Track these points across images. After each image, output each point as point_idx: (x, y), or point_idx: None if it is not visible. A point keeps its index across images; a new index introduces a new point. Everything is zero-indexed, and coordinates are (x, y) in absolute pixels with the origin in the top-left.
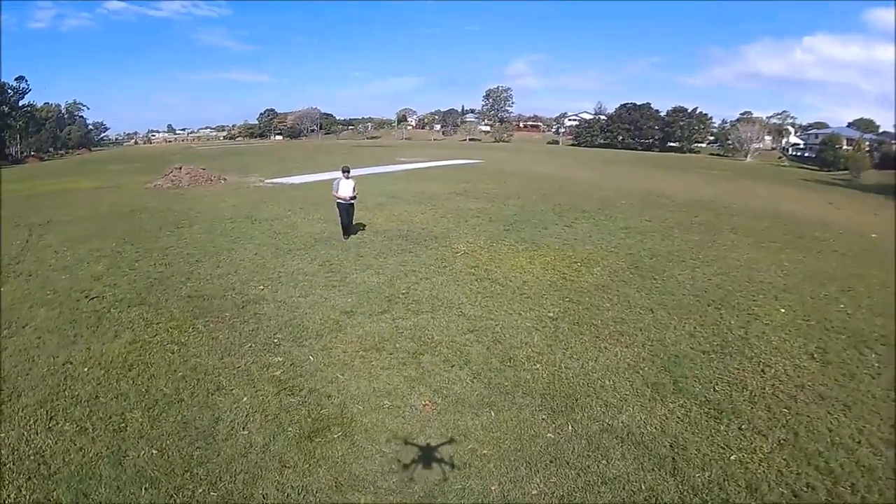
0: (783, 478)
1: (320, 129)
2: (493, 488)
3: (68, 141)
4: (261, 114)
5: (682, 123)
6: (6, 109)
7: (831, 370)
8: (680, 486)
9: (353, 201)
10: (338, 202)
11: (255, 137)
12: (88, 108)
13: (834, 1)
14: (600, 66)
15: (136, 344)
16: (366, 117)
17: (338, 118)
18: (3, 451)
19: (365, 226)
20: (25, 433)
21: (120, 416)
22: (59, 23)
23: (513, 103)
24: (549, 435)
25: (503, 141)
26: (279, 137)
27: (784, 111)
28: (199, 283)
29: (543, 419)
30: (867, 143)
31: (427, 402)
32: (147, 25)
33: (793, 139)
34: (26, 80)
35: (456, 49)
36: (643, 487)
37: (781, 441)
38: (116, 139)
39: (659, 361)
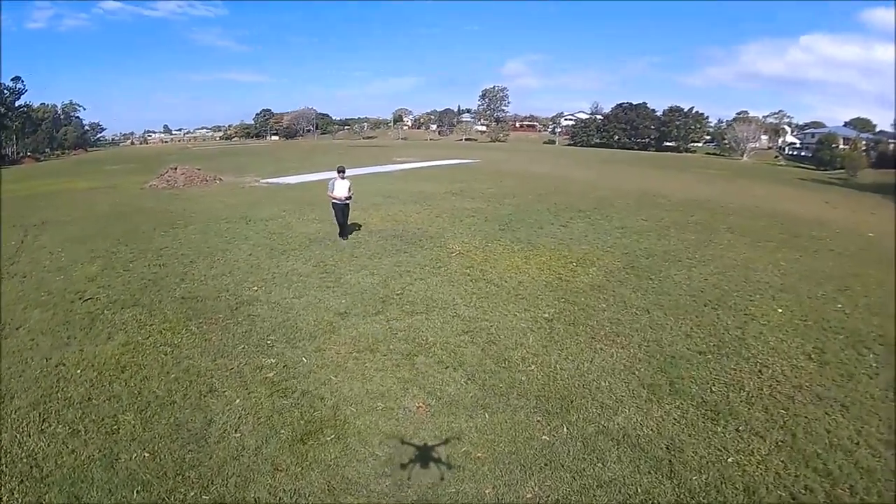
0: (781, 480)
1: (316, 129)
2: (487, 492)
3: (64, 141)
4: (257, 114)
5: (678, 123)
6: (2, 110)
7: (829, 370)
8: (677, 490)
9: (348, 201)
10: (333, 202)
11: (252, 138)
12: (85, 109)
13: (831, 1)
14: (596, 65)
15: (129, 346)
16: (362, 117)
17: (334, 118)
18: None
19: (360, 226)
20: (18, 435)
21: (112, 418)
22: (56, 23)
23: (509, 103)
24: (544, 437)
25: (499, 141)
26: (275, 138)
27: (780, 110)
28: (193, 285)
29: (538, 421)
30: (864, 142)
31: (421, 404)
32: (143, 25)
33: (789, 138)
34: (22, 81)
35: (452, 49)
36: (639, 491)
37: (779, 443)
38: (113, 140)
39: (655, 362)
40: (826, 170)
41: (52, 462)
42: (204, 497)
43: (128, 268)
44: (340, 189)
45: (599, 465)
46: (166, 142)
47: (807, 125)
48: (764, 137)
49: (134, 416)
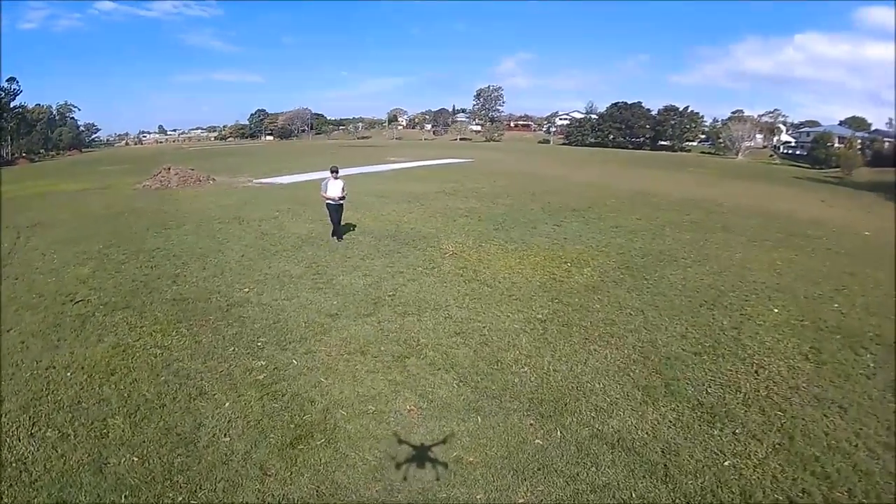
0: (778, 484)
1: (311, 129)
2: (478, 497)
3: (59, 142)
4: (252, 114)
5: (673, 122)
6: None
7: (826, 371)
8: (672, 494)
9: (342, 202)
10: (327, 203)
11: (246, 138)
12: (80, 110)
13: (824, 0)
14: (591, 65)
15: (119, 348)
16: (356, 117)
17: (329, 118)
18: None
19: (354, 226)
20: (8, 439)
21: (102, 421)
22: (50, 23)
23: (504, 102)
24: (537, 441)
25: (494, 140)
26: (270, 138)
27: (775, 109)
28: (184, 286)
29: (531, 424)
30: (859, 140)
31: (412, 407)
32: (138, 26)
33: (784, 137)
34: (17, 81)
35: (447, 49)
36: (634, 496)
37: (776, 445)
38: (107, 140)
39: (650, 364)
40: (821, 168)
41: (41, 466)
42: (192, 502)
43: (119, 269)
44: (334, 189)
45: (593, 469)
46: (161, 142)
47: (802, 124)
48: (759, 136)
49: (123, 420)
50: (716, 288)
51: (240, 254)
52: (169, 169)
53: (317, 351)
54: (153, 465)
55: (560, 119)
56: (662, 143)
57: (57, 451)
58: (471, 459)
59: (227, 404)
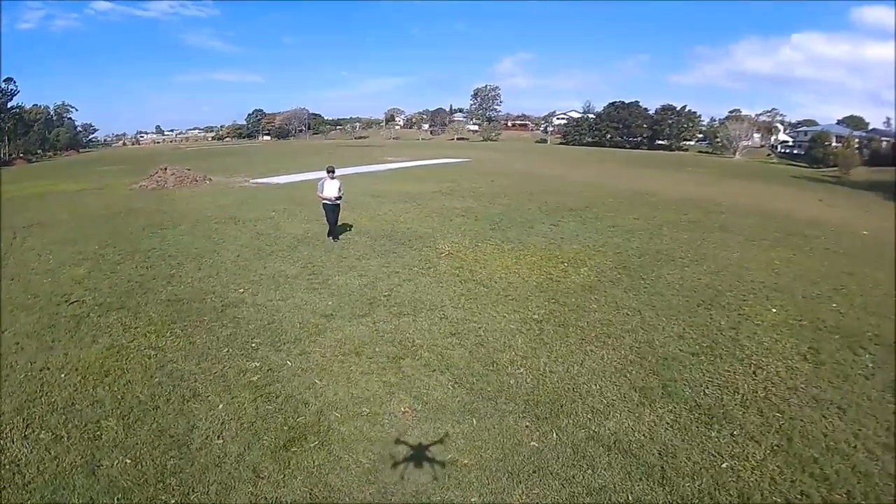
0: (777, 486)
1: (308, 129)
2: (473, 500)
3: (56, 143)
4: (249, 114)
5: (670, 122)
6: None
7: (825, 371)
8: (669, 497)
9: (338, 202)
10: (323, 203)
11: (244, 138)
12: (77, 110)
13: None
14: (591, 65)
15: (113, 349)
16: (354, 117)
17: (326, 118)
18: None
19: (351, 226)
20: (2, 441)
21: (95, 423)
22: (47, 23)
23: (501, 102)
24: (532, 443)
25: (491, 140)
26: (267, 138)
27: (773, 109)
28: (179, 287)
29: (527, 426)
30: (856, 140)
31: (407, 408)
32: (134, 26)
33: (782, 136)
34: (14, 82)
35: (444, 49)
36: (630, 498)
37: (775, 447)
38: (105, 141)
39: (647, 364)
40: (819, 168)
41: (34, 468)
42: None
43: (115, 270)
44: (330, 189)
45: (589, 471)
46: (158, 142)
47: (799, 123)
48: (756, 136)
49: (116, 422)
50: (713, 288)
51: (235, 254)
52: (165, 169)
53: (311, 352)
54: (146, 467)
55: (557, 119)
56: (660, 142)
57: (50, 454)
58: (465, 462)
59: (220, 406)
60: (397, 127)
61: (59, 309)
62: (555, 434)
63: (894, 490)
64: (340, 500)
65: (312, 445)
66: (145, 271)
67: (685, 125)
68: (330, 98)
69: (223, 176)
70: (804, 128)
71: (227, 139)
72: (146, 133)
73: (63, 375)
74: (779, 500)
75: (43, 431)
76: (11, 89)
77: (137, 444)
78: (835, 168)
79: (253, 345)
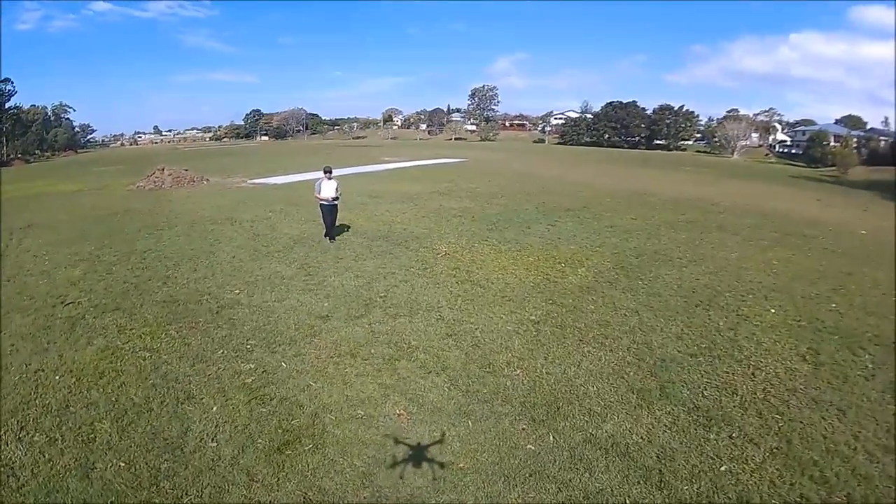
0: (776, 489)
1: (306, 129)
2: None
3: (54, 143)
4: (247, 114)
5: (668, 121)
6: None
7: (824, 372)
8: (667, 500)
9: (335, 202)
10: (320, 203)
11: (242, 138)
12: (75, 110)
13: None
14: (589, 65)
15: (108, 351)
16: (352, 117)
17: (324, 118)
18: None
19: (348, 227)
20: None
21: (89, 426)
22: (45, 24)
23: (498, 102)
24: (529, 446)
25: (489, 140)
26: (265, 138)
27: (771, 108)
28: (174, 288)
29: (523, 429)
30: (854, 139)
31: (402, 411)
32: (133, 26)
33: (780, 136)
34: (12, 83)
35: (442, 49)
36: (628, 502)
37: (774, 449)
38: (103, 141)
39: (645, 366)
40: (817, 167)
41: (28, 471)
42: None
43: (111, 271)
44: (327, 190)
45: (586, 475)
46: (156, 143)
47: (797, 123)
48: (754, 135)
49: (111, 424)
50: (712, 288)
51: (231, 255)
52: (163, 170)
53: (306, 353)
54: (140, 470)
55: (555, 119)
56: (658, 142)
57: (44, 456)
58: (461, 465)
59: (214, 408)
60: (395, 127)
61: (54, 310)
62: (551, 437)
63: (894, 493)
64: None
65: (307, 448)
66: (141, 272)
67: (683, 125)
68: (329, 98)
69: (220, 176)
70: (802, 127)
71: (225, 139)
72: (144, 133)
73: (58, 377)
74: None
75: (37, 434)
76: (9, 90)
77: (131, 446)
78: (833, 168)
79: (248, 346)
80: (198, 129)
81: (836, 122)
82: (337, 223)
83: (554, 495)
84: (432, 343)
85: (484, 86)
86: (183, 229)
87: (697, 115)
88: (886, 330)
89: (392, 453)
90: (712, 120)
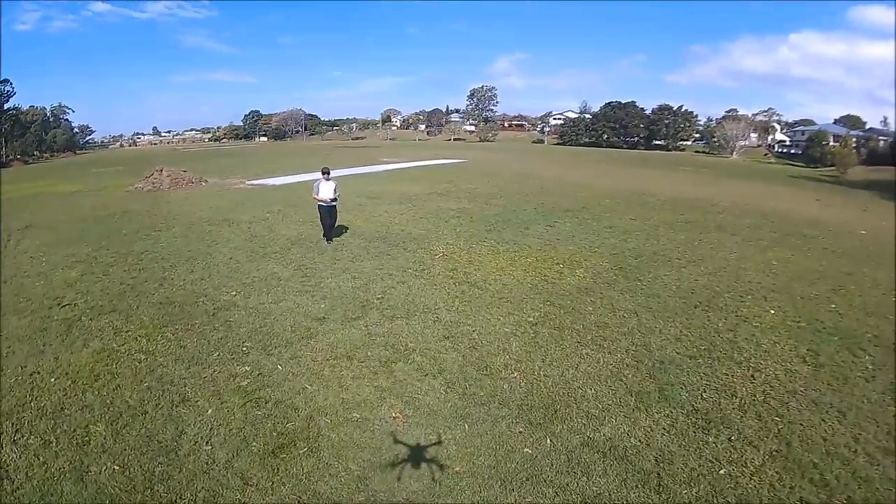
0: (776, 492)
1: (305, 130)
2: None
3: (53, 144)
4: (246, 115)
5: (667, 122)
6: None
7: (824, 374)
8: None
9: (334, 203)
10: (319, 205)
11: (240, 139)
12: (74, 111)
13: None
14: (589, 65)
15: (103, 353)
16: (351, 118)
17: (323, 119)
18: None
19: (346, 228)
20: None
21: (84, 429)
22: (44, 25)
23: (497, 103)
24: (526, 450)
25: (488, 140)
26: (264, 139)
27: (770, 108)
28: (171, 290)
29: (520, 432)
30: (854, 139)
31: (398, 414)
32: (131, 27)
33: (779, 136)
34: (11, 84)
35: (441, 49)
36: None
37: (773, 452)
38: (102, 142)
39: (643, 368)
40: (816, 167)
41: (23, 474)
42: None
43: (107, 272)
44: (326, 191)
45: (584, 479)
46: (155, 144)
47: (796, 123)
48: (753, 135)
49: (105, 427)
50: (711, 289)
51: (228, 256)
52: (161, 170)
53: (302, 356)
54: (134, 473)
55: (554, 119)
56: (657, 142)
57: (39, 459)
58: (457, 469)
59: (209, 411)
60: (394, 128)
61: (50, 312)
62: (549, 440)
63: (895, 495)
64: None
65: (302, 452)
66: (138, 274)
67: (682, 125)
68: (329, 98)
69: (219, 177)
70: (801, 127)
71: (224, 140)
72: (143, 134)
73: (53, 380)
74: None
75: (32, 436)
76: (7, 91)
77: (126, 449)
78: (832, 167)
79: (243, 349)
80: (196, 130)
81: (836, 122)
82: (335, 224)
83: (551, 499)
84: (429, 345)
85: (483, 86)
86: (180, 230)
87: (696, 116)
88: (886, 331)
89: (387, 457)
90: (711, 120)
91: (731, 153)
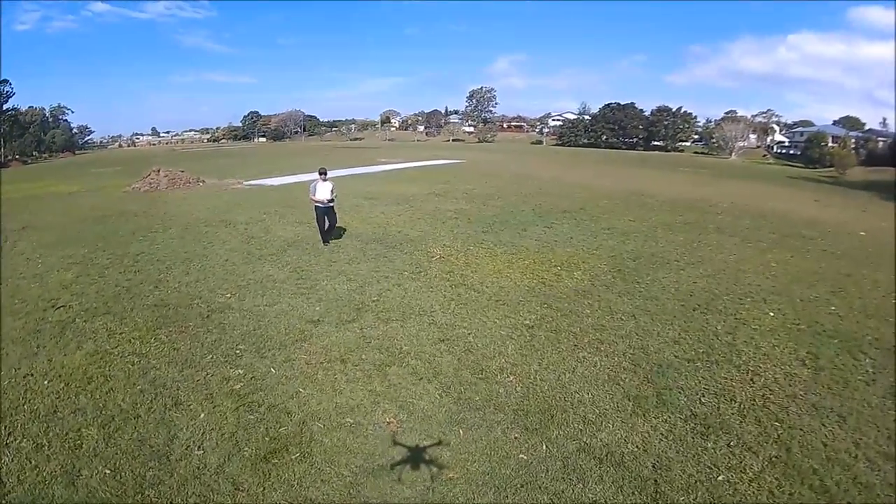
0: (775, 499)
1: (304, 130)
2: None
3: (52, 144)
4: (245, 116)
5: (666, 123)
6: None
7: (824, 377)
8: None
9: (331, 204)
10: (315, 206)
11: (239, 140)
12: (73, 112)
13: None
14: (589, 65)
15: (97, 355)
16: (349, 119)
17: (322, 120)
18: None
19: (344, 230)
20: None
21: (76, 432)
22: (44, 25)
23: (496, 104)
24: (521, 456)
25: (487, 141)
26: (263, 139)
27: (769, 109)
28: (166, 292)
29: (516, 438)
30: (853, 140)
31: (392, 419)
32: (131, 27)
33: (778, 137)
34: (10, 84)
35: (440, 49)
36: None
37: (773, 458)
38: (101, 142)
39: (641, 372)
40: (815, 168)
41: (14, 478)
42: None
43: (103, 274)
44: (323, 191)
45: (580, 485)
46: (154, 144)
47: (795, 124)
48: (752, 136)
49: (97, 431)
50: (709, 291)
51: (224, 258)
52: (159, 171)
53: (296, 359)
54: (125, 478)
55: (553, 120)
56: (655, 143)
57: (31, 462)
58: (451, 475)
59: (202, 415)
60: (393, 129)
61: (45, 314)
62: (544, 446)
63: None
64: None
65: (294, 457)
66: (133, 275)
67: (681, 126)
68: (329, 98)
69: (216, 178)
70: (800, 128)
71: (223, 141)
72: (142, 135)
73: (46, 382)
74: None
75: (24, 440)
76: (7, 91)
77: (117, 453)
78: (831, 168)
79: (237, 351)
80: (195, 131)
81: (835, 122)
82: (336, 225)
83: None
84: (424, 348)
85: (482, 87)
86: (177, 231)
87: (695, 117)
88: (887, 333)
89: (381, 462)
90: (710, 121)
91: (730, 154)
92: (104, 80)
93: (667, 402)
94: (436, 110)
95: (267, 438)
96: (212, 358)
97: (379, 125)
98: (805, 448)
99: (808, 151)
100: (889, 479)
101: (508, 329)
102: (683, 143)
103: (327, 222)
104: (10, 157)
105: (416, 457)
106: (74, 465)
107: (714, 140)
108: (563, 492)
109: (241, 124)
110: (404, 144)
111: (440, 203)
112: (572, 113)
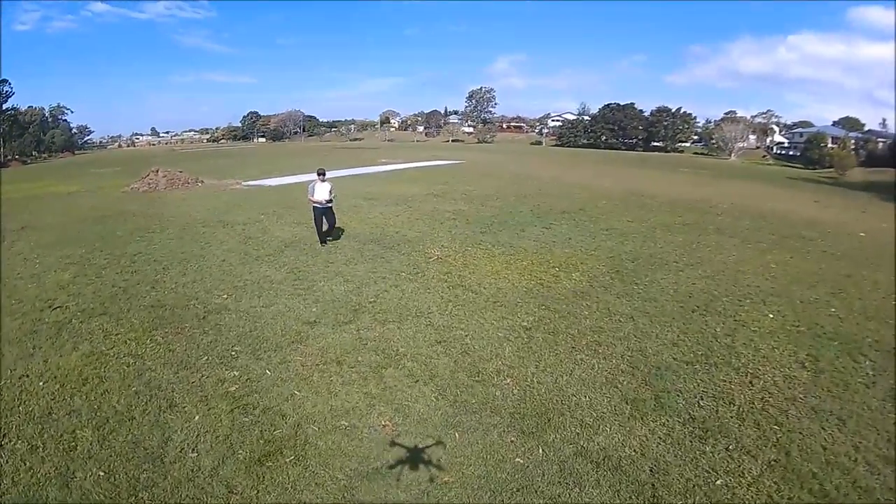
0: (774, 503)
1: (303, 131)
2: None
3: (52, 144)
4: (244, 116)
5: (665, 123)
6: None
7: (824, 380)
8: None
9: (329, 205)
10: (314, 206)
11: (238, 140)
12: (72, 112)
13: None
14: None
15: (92, 356)
16: (349, 119)
17: (321, 120)
18: None
19: (342, 230)
20: None
21: (71, 434)
22: (44, 25)
23: (496, 104)
24: (517, 460)
25: (486, 142)
26: (262, 140)
27: (769, 110)
28: (162, 293)
29: (512, 441)
30: (852, 141)
31: (387, 422)
32: (131, 27)
33: (777, 138)
34: (9, 84)
35: (439, 50)
36: None
37: (772, 462)
38: (100, 142)
39: (639, 374)
40: (815, 169)
41: (8, 480)
42: None
43: (100, 275)
44: (321, 192)
45: (576, 490)
46: (154, 144)
47: (795, 124)
48: (752, 137)
49: (92, 433)
50: (708, 292)
51: (221, 259)
52: (157, 171)
53: (292, 361)
54: (119, 480)
55: (552, 120)
56: (655, 143)
57: (25, 464)
58: (446, 479)
59: (196, 418)
60: (392, 129)
61: (42, 315)
62: (541, 450)
63: None
64: None
65: (288, 460)
66: (130, 276)
67: (680, 127)
68: (329, 98)
69: (215, 178)
70: (800, 129)
71: (223, 141)
72: (142, 135)
73: (42, 383)
74: None
75: (20, 441)
76: (6, 91)
77: (112, 455)
78: (831, 169)
79: (233, 353)
80: (195, 131)
81: (834, 123)
82: (335, 226)
83: None
84: (421, 350)
85: (481, 87)
86: (175, 232)
87: (695, 117)
88: (887, 335)
89: (375, 466)
90: (710, 122)
91: (730, 155)
92: (104, 80)
93: (665, 406)
94: (435, 111)
95: (261, 441)
96: (207, 359)
97: (378, 125)
98: (804, 452)
99: (808, 152)
100: (889, 483)
101: (506, 331)
102: (683, 144)
103: (325, 223)
104: (9, 157)
105: (411, 460)
106: (69, 466)
107: (714, 141)
108: (559, 496)
109: (240, 124)
110: (404, 145)
111: (438, 204)
112: (572, 113)
